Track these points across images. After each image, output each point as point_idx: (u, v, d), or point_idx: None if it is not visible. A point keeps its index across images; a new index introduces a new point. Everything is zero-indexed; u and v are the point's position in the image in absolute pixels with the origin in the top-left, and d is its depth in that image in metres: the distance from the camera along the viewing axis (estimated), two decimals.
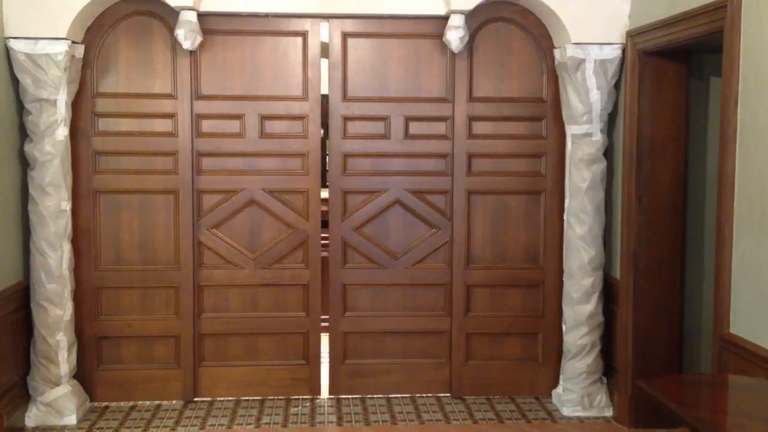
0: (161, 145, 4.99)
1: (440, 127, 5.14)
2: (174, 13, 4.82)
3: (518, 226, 5.19)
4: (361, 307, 5.25)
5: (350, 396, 5.26)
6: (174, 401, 5.12)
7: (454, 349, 5.24)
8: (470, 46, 5.04)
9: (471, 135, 5.13)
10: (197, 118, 5.00)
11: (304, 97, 5.08)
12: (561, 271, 5.09)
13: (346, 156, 5.15)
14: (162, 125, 4.98)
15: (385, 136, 5.15)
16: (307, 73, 5.06)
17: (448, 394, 5.27)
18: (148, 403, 5.10)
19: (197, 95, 4.99)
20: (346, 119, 5.14)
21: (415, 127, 5.15)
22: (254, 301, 5.17)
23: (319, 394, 5.25)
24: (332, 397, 5.26)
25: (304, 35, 5.03)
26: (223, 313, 5.15)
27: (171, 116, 4.98)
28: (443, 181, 5.16)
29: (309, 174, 5.12)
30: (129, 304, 5.08)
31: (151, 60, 4.95)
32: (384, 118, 5.14)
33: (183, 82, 4.95)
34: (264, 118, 5.06)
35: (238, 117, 5.05)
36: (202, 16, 4.84)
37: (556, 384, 5.18)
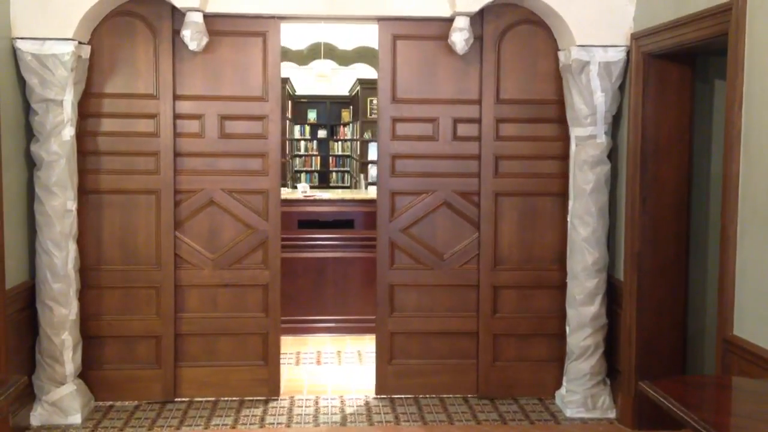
0: (144, 145, 5.01)
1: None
2: (156, 13, 4.86)
3: (544, 227, 5.19)
4: (409, 308, 5.28)
5: (399, 396, 5.29)
6: (183, 399, 5.15)
7: (481, 350, 5.26)
8: (498, 48, 5.07)
9: (498, 137, 5.14)
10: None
11: (264, 98, 5.08)
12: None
13: (395, 157, 5.18)
14: (144, 125, 5.01)
15: (433, 138, 5.17)
16: (267, 74, 5.07)
17: (475, 395, 5.30)
18: (153, 401, 5.12)
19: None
20: (395, 120, 5.16)
21: (460, 129, 5.20)
22: (213, 301, 5.17)
23: (278, 395, 5.25)
24: (381, 396, 5.28)
25: (264, 35, 5.03)
26: (183, 313, 5.14)
27: (153, 116, 5.00)
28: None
29: (269, 174, 5.12)
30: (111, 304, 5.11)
31: (134, 61, 4.95)
32: (432, 120, 5.16)
33: (166, 83, 4.97)
34: (223, 118, 5.07)
35: (198, 117, 5.05)
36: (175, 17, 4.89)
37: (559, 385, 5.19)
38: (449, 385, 5.30)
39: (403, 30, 5.07)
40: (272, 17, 5.01)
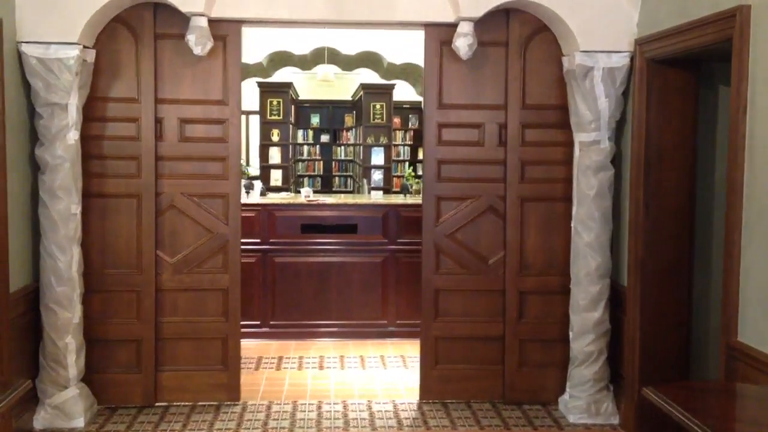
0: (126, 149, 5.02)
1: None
2: (140, 18, 4.89)
3: (568, 233, 5.16)
4: (452, 312, 5.28)
5: (448, 401, 5.30)
6: (184, 403, 5.15)
7: (508, 355, 5.26)
8: (523, 54, 5.08)
9: (523, 142, 5.15)
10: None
11: (225, 102, 5.08)
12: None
13: (441, 162, 5.18)
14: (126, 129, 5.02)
15: (479, 143, 5.18)
16: (228, 78, 5.06)
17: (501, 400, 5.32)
18: (155, 405, 5.12)
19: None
20: (441, 126, 5.16)
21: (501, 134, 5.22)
22: (174, 305, 5.15)
23: (238, 400, 5.23)
24: (426, 401, 5.30)
25: (224, 39, 5.02)
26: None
27: (135, 120, 5.00)
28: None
29: (229, 178, 5.12)
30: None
31: (117, 64, 4.96)
32: (478, 126, 5.17)
33: (148, 86, 4.98)
34: (183, 121, 5.06)
35: (159, 121, 5.04)
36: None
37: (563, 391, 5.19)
38: (484, 389, 5.32)
39: (450, 36, 5.04)
40: (233, 21, 5.00)
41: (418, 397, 5.37)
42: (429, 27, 5.09)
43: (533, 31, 5.08)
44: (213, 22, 4.91)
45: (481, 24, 4.97)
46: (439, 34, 5.09)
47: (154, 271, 5.07)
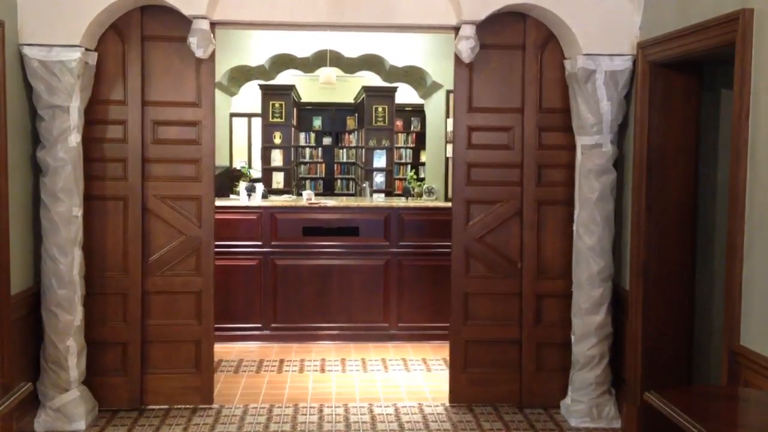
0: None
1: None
2: (128, 20, 4.89)
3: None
4: (480, 316, 5.27)
5: (476, 404, 5.29)
6: (185, 406, 5.14)
7: (524, 358, 5.25)
8: (540, 58, 5.08)
9: (540, 146, 5.14)
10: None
11: (198, 103, 5.07)
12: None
13: (470, 166, 5.18)
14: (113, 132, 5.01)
15: (509, 147, 5.17)
16: (201, 80, 5.05)
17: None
18: (156, 407, 5.11)
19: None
20: (471, 129, 5.16)
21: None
22: (147, 308, 5.13)
23: (211, 403, 5.21)
24: (455, 405, 5.29)
25: None
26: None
27: (122, 122, 5.00)
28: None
29: (202, 180, 5.10)
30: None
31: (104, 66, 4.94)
32: (508, 129, 5.16)
33: (134, 89, 4.98)
34: (156, 123, 5.05)
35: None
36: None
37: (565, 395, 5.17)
38: (509, 392, 5.31)
39: (484, 39, 5.03)
40: (233, 23, 5.01)
41: (418, 401, 5.37)
42: (466, 24, 5.02)
43: (549, 33, 5.07)
44: (187, 24, 4.88)
45: (505, 27, 5.01)
46: (485, 38, 5.06)
47: (140, 273, 5.05)
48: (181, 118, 5.06)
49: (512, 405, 5.27)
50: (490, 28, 5.01)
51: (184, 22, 4.86)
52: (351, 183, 15.79)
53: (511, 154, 5.18)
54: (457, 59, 5.08)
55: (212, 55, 5.02)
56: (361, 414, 5.14)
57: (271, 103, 12.45)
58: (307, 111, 15.81)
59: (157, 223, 5.08)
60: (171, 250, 5.10)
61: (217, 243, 6.69)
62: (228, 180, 7.61)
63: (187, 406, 5.16)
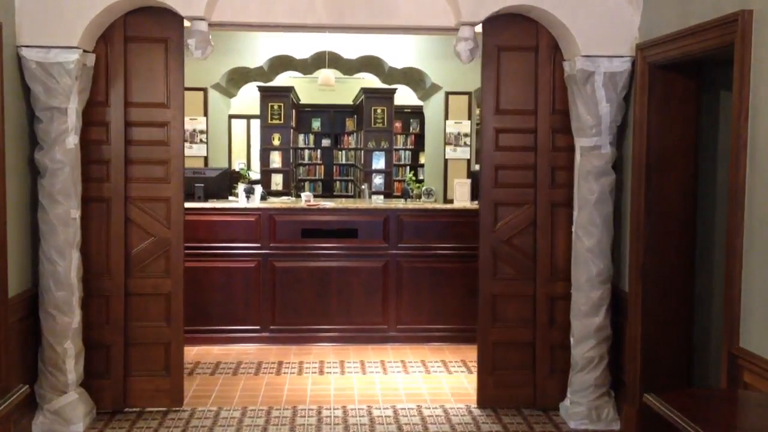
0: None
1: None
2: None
3: None
4: (508, 318, 5.25)
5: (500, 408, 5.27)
6: (185, 408, 5.13)
7: (538, 361, 5.24)
8: (553, 60, 5.08)
9: (553, 148, 5.13)
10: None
11: (167, 105, 5.05)
12: None
13: (498, 168, 5.16)
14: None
15: (534, 149, 5.15)
16: (170, 80, 5.02)
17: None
18: (154, 410, 5.10)
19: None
20: (498, 131, 5.14)
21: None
22: (129, 310, 5.10)
23: (181, 405, 5.19)
24: (485, 408, 5.27)
25: (166, 41, 4.98)
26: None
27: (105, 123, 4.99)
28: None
29: (171, 182, 5.08)
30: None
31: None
32: (534, 131, 5.15)
33: (117, 90, 4.97)
34: (126, 124, 5.01)
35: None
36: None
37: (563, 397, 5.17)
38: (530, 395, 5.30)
39: (507, 41, 5.04)
40: (232, 24, 5.01)
41: (417, 403, 5.35)
42: (487, 30, 5.04)
43: None
44: (155, 23, 4.86)
45: (522, 29, 5.03)
46: (497, 39, 5.07)
47: (123, 275, 5.03)
48: (151, 119, 5.03)
49: (529, 407, 5.26)
50: (510, 29, 5.02)
51: (163, 23, 4.88)
52: (350, 185, 15.79)
53: (531, 156, 5.17)
54: (485, 61, 5.07)
55: (182, 55, 4.99)
56: (359, 416, 5.13)
57: (269, 104, 12.45)
58: (306, 113, 15.81)
59: (127, 224, 5.04)
60: (140, 252, 5.07)
61: (216, 245, 6.76)
62: (227, 182, 7.59)
63: (185, 409, 5.15)
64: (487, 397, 5.28)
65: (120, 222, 5.01)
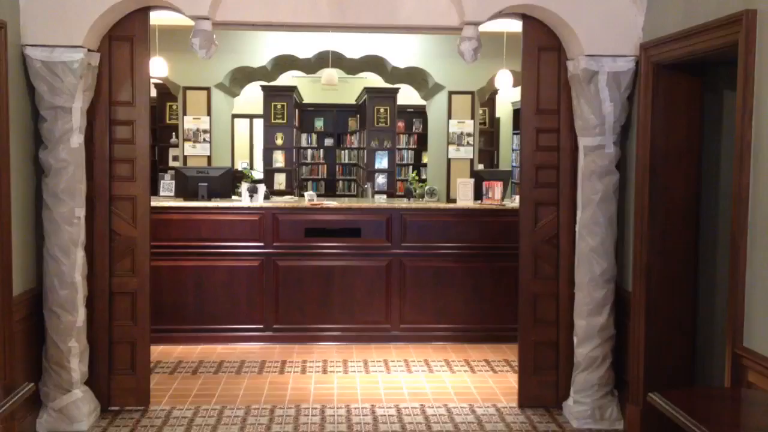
0: None
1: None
2: None
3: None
4: (549, 318, 5.24)
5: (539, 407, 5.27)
6: (187, 406, 5.14)
7: (561, 360, 5.24)
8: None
9: (573, 148, 5.12)
10: None
11: (132, 103, 5.02)
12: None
13: (538, 168, 5.16)
14: None
15: (557, 149, 5.14)
16: (135, 78, 5.00)
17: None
18: (158, 408, 5.11)
19: None
20: (539, 132, 5.13)
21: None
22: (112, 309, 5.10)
23: (147, 405, 5.18)
24: (521, 408, 5.27)
25: (131, 39, 4.97)
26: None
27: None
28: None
29: (137, 180, 5.07)
30: None
31: None
32: (557, 131, 5.14)
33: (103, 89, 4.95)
34: (111, 123, 5.00)
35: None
36: None
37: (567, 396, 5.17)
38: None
39: (547, 41, 5.04)
40: (234, 22, 5.00)
41: (420, 402, 5.35)
42: (527, 30, 5.04)
43: None
44: (121, 21, 4.85)
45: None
46: (538, 40, 5.06)
47: (108, 274, 5.03)
48: (116, 117, 5.02)
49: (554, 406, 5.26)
50: (543, 27, 5.03)
51: (131, 20, 4.90)
52: (353, 184, 15.79)
53: (555, 157, 5.17)
54: (527, 61, 5.07)
55: (147, 53, 4.98)
56: (363, 415, 5.13)
57: (272, 104, 12.45)
58: (309, 112, 15.81)
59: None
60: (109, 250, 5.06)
61: (219, 244, 6.77)
62: (230, 181, 7.59)
63: (188, 407, 5.16)
64: (528, 397, 5.26)
65: (104, 220, 4.99)
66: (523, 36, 5.08)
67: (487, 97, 11.23)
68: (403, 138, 15.26)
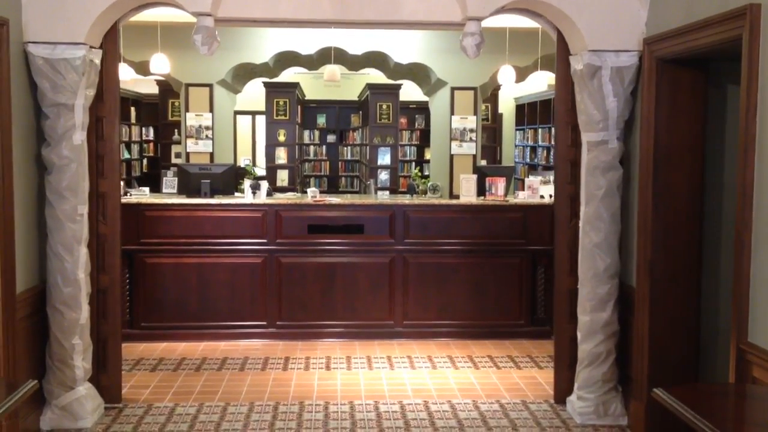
0: None
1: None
2: None
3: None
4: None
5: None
6: (189, 403, 5.15)
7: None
8: None
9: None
10: None
11: (102, 99, 4.97)
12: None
13: (572, 164, 5.14)
14: None
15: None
16: (103, 74, 4.94)
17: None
18: (162, 405, 5.12)
19: None
20: (574, 127, 5.10)
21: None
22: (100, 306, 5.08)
23: (120, 402, 5.16)
24: (558, 403, 5.27)
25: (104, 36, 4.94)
26: None
27: None
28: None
29: (107, 176, 5.04)
30: None
31: None
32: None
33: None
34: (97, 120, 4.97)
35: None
36: None
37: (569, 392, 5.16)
38: None
39: None
40: (236, 20, 5.02)
41: (424, 398, 5.35)
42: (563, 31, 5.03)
43: None
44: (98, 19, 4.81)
45: None
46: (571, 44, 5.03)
47: (96, 271, 5.01)
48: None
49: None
50: None
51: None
52: (355, 180, 15.79)
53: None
54: (559, 55, 5.05)
55: (117, 50, 4.95)
56: (366, 411, 5.13)
57: (275, 100, 12.45)
58: (312, 108, 15.81)
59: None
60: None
61: (222, 241, 6.76)
62: (233, 178, 7.59)
63: (193, 404, 5.16)
64: (565, 392, 5.24)
65: (93, 219, 4.97)
66: (558, 38, 5.07)
67: (489, 93, 11.22)
68: (405, 134, 15.25)
